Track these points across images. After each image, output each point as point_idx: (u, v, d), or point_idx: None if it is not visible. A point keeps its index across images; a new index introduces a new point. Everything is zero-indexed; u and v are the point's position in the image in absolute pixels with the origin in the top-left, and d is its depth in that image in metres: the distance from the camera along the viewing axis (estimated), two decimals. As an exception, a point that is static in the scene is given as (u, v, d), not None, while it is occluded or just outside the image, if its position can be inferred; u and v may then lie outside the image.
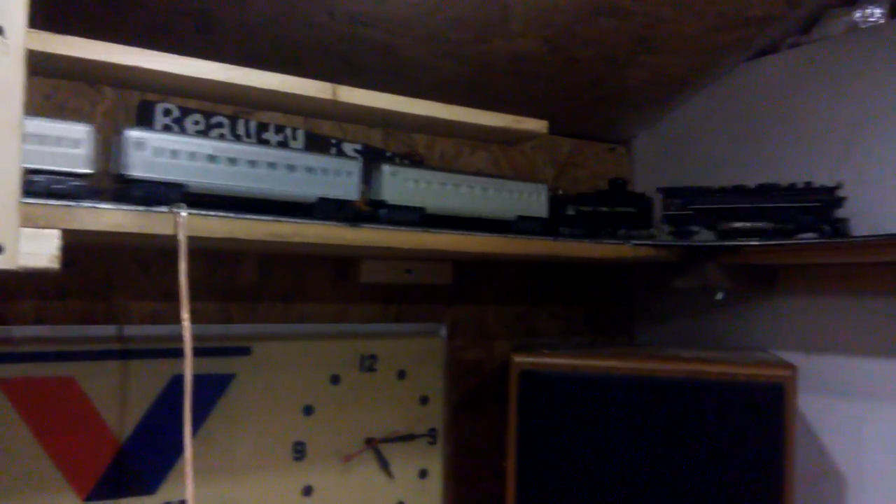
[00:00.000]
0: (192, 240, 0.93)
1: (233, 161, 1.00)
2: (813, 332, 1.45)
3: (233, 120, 1.28)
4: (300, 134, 1.34)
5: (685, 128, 1.72)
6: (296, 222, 1.00)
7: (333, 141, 1.39)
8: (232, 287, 1.30)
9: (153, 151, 0.95)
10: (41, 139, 0.85)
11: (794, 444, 1.22)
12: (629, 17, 1.37)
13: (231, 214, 0.96)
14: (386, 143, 1.46)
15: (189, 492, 0.92)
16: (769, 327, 1.53)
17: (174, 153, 0.96)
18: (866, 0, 1.42)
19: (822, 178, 1.42)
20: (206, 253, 1.27)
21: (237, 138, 1.27)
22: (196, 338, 0.93)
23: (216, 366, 1.22)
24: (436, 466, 1.44)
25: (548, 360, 1.32)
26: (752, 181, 1.50)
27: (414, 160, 1.47)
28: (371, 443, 1.36)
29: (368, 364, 1.37)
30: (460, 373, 1.55)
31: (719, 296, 1.41)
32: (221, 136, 1.26)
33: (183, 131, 1.24)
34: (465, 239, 1.15)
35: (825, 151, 1.44)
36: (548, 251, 1.26)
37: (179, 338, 0.92)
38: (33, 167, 0.84)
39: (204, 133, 1.25)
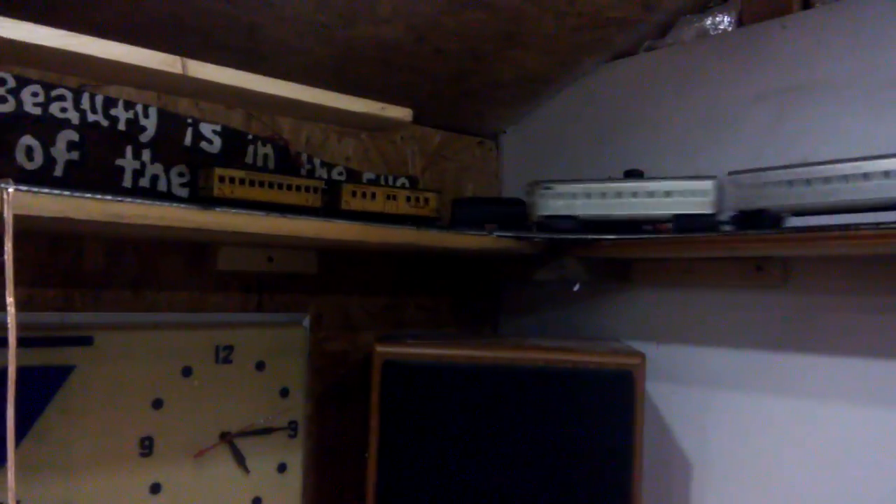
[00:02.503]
0: (24, 219, 0.86)
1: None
2: (663, 322, 1.53)
3: (77, 93, 1.19)
4: (152, 111, 1.27)
5: (550, 125, 1.77)
6: (138, 203, 0.94)
7: (189, 120, 1.32)
8: (74, 273, 1.21)
9: None
10: None
11: (642, 429, 1.27)
12: (495, 11, 1.39)
13: (65, 192, 0.89)
14: (248, 126, 1.41)
15: (10, 495, 0.85)
16: (624, 318, 1.60)
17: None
18: (716, 8, 1.51)
19: (673, 173, 1.49)
20: (45, 235, 1.18)
21: (81, 112, 1.19)
22: (28, 327, 0.86)
23: (52, 357, 1.14)
24: (296, 460, 1.40)
25: (411, 350, 1.32)
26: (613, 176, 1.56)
27: (278, 144, 1.43)
28: (226, 437, 1.31)
29: (224, 355, 1.31)
30: (325, 364, 1.52)
31: (576, 287, 1.46)
32: (63, 110, 1.17)
33: (20, 103, 1.14)
34: (323, 225, 1.12)
35: (678, 151, 1.52)
36: (411, 240, 1.26)
37: (4, 326, 0.85)
38: None
39: (44, 106, 1.16)
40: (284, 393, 1.39)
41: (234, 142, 1.38)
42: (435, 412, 1.30)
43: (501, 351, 1.33)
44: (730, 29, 1.49)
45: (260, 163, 1.41)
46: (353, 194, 1.40)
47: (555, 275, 1.45)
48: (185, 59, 1.03)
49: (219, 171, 1.20)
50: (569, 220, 1.38)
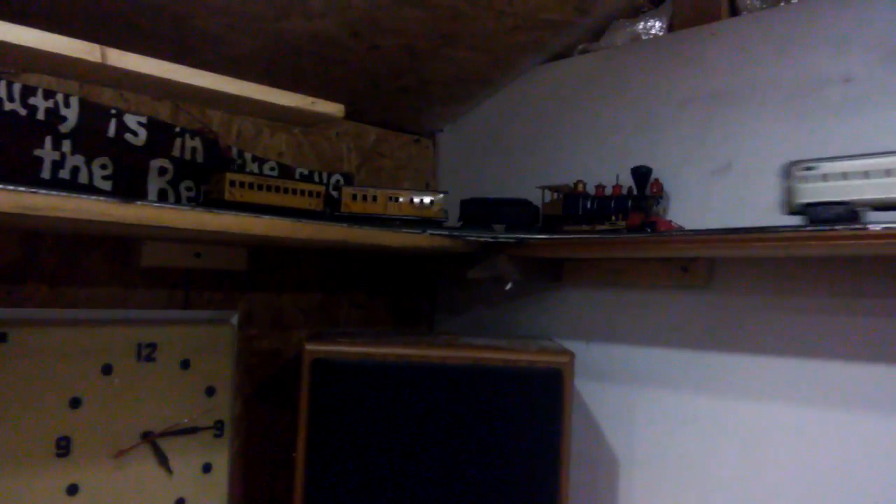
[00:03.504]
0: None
1: None
2: (593, 321, 1.55)
3: (-9, 80, 1.14)
4: (73, 101, 1.22)
5: (487, 124, 1.78)
6: (53, 195, 0.90)
7: (113, 111, 1.28)
8: (-13, 267, 1.17)
9: None
10: None
11: (570, 426, 1.29)
12: (432, 9, 1.39)
13: (-29, 182, 0.85)
14: (176, 118, 1.37)
15: None
16: (556, 317, 1.61)
17: None
18: (648, 14, 1.54)
19: (606, 177, 1.52)
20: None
21: (-4, 100, 1.14)
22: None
23: (-40, 354, 1.09)
24: (222, 460, 1.38)
25: (341, 348, 1.30)
26: (546, 178, 1.57)
27: (206, 137, 1.40)
28: (148, 437, 1.28)
29: (147, 353, 1.28)
30: (254, 363, 1.50)
31: (508, 286, 1.47)
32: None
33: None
34: (250, 221, 1.10)
35: (611, 153, 1.54)
36: (340, 237, 1.24)
37: None
38: None
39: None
40: (210, 392, 1.36)
41: (161, 134, 1.35)
42: (365, 411, 1.29)
43: (432, 349, 1.32)
44: (661, 34, 1.52)
45: (188, 156, 1.38)
46: (354, 197, 1.41)
47: (487, 274, 1.45)
48: (104, 48, 1.00)
49: (230, 175, 1.27)
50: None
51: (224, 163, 1.42)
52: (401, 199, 1.42)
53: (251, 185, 1.29)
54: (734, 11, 1.43)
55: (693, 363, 1.40)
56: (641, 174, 1.38)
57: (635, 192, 1.38)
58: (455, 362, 1.31)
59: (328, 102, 1.24)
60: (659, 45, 1.50)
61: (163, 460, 1.29)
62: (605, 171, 1.52)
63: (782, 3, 1.36)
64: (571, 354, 1.31)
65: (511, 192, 1.67)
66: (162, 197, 1.35)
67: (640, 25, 1.54)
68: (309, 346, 1.28)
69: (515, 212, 1.46)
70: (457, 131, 1.84)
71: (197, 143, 1.39)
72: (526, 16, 1.46)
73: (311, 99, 1.23)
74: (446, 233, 1.37)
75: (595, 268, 1.50)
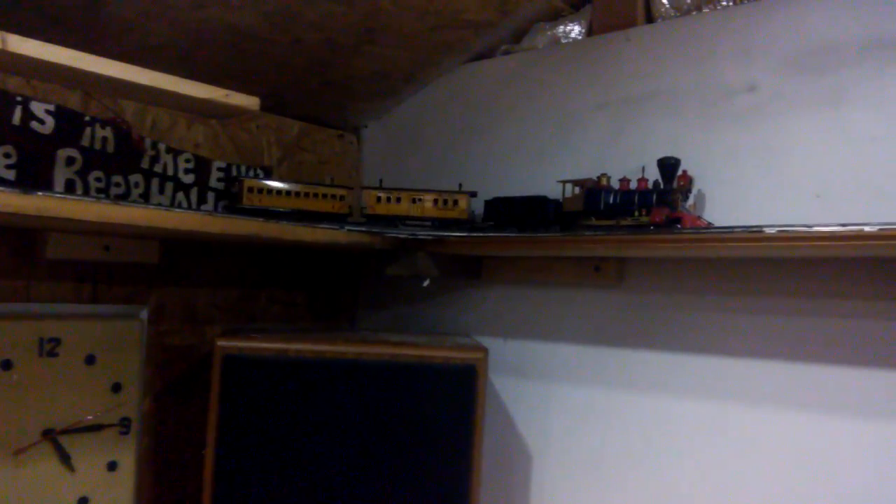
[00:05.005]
0: None
1: None
2: (511, 318, 1.57)
3: None
4: (-28, 86, 1.18)
5: (411, 121, 1.78)
6: (-59, 182, 0.87)
7: (18, 98, 1.24)
8: None
9: None
10: None
11: (482, 421, 1.31)
12: (353, 5, 1.39)
13: None
14: (86, 106, 1.33)
15: None
16: (475, 314, 1.63)
17: None
18: (568, 17, 1.57)
19: (525, 178, 1.54)
20: None
21: None
22: None
23: None
24: (128, 458, 1.34)
25: (254, 344, 1.29)
26: (467, 177, 1.59)
27: (118, 127, 1.36)
28: (49, 434, 1.23)
29: (50, 348, 1.23)
30: (165, 358, 1.46)
31: (425, 282, 1.48)
32: None
33: None
34: (158, 214, 1.08)
35: (530, 154, 1.57)
36: (252, 232, 1.23)
37: None
38: None
39: None
40: (116, 388, 1.32)
41: (70, 123, 1.31)
42: (278, 408, 1.28)
43: (347, 345, 1.32)
44: (580, 38, 1.55)
45: (98, 146, 1.34)
46: (378, 199, 1.41)
47: (406, 270, 1.46)
48: (4, 34, 0.96)
49: (248, 182, 1.32)
50: None
51: (136, 154, 1.38)
52: (423, 201, 1.40)
53: (269, 192, 1.35)
54: (650, 18, 1.47)
55: (605, 360, 1.44)
56: (668, 166, 1.27)
57: (662, 185, 1.27)
58: (370, 358, 1.31)
59: (243, 95, 1.22)
60: (577, 49, 1.53)
61: (65, 458, 1.25)
62: (523, 171, 1.55)
63: (694, 13, 1.40)
64: (485, 351, 1.33)
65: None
66: (69, 188, 1.31)
67: (560, 29, 1.57)
68: (220, 342, 1.26)
69: (537, 209, 1.39)
70: (381, 127, 1.84)
71: (108, 132, 1.36)
72: (448, 15, 1.47)
73: (225, 91, 1.21)
74: (363, 228, 1.36)
75: (512, 266, 1.52)
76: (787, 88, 1.25)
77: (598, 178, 1.34)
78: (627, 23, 1.47)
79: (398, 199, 1.42)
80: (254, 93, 1.32)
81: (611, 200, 1.30)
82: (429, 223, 1.44)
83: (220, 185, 1.52)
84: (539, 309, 1.53)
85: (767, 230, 1.05)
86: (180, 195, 1.48)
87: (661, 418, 1.36)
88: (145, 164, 1.42)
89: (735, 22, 1.33)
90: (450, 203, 1.42)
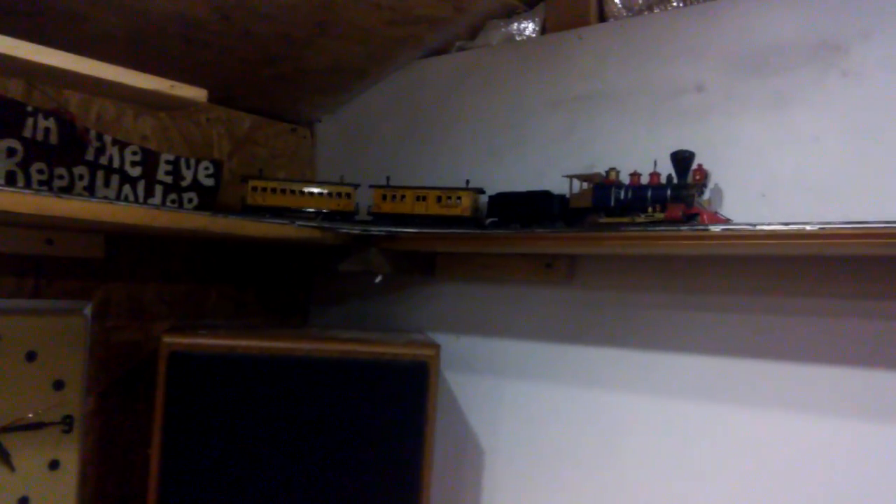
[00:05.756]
0: None
1: None
2: (464, 315, 1.58)
3: None
4: None
5: (365, 117, 1.77)
6: None
7: (-47, 86, 1.19)
8: None
9: None
10: None
11: (434, 417, 1.31)
12: (306, -2, 1.37)
13: None
14: (28, 97, 1.29)
15: None
16: (428, 310, 1.63)
17: None
18: (522, 15, 1.57)
19: (477, 174, 1.54)
20: None
21: None
22: None
23: None
24: (70, 457, 1.31)
25: (201, 340, 1.27)
26: (421, 172, 1.58)
27: (62, 118, 1.32)
28: (-13, 433, 1.20)
29: (-12, 345, 1.20)
30: (111, 355, 1.43)
31: (377, 279, 1.47)
32: None
33: None
34: (100, 207, 1.05)
35: (484, 151, 1.57)
36: (201, 226, 1.21)
37: None
38: None
39: None
40: (59, 386, 1.29)
41: (10, 113, 1.26)
42: (226, 406, 1.26)
43: (298, 342, 1.31)
44: (533, 36, 1.55)
45: (40, 137, 1.30)
46: (384, 198, 1.39)
47: (359, 266, 1.45)
48: (-65, 17, 0.92)
49: (252, 182, 1.36)
50: None
51: (80, 146, 1.35)
52: (427, 198, 1.38)
53: (273, 190, 1.38)
54: (602, 18, 1.48)
55: (556, 356, 1.45)
56: (682, 160, 1.21)
57: (675, 180, 1.21)
58: (321, 355, 1.30)
59: (190, 87, 1.20)
60: (531, 47, 1.54)
61: (5, 457, 1.22)
62: (476, 168, 1.55)
63: (645, 13, 1.42)
64: (437, 347, 1.33)
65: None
66: (10, 180, 1.27)
67: (515, 26, 1.57)
68: (166, 339, 1.24)
69: (542, 205, 1.33)
70: (335, 122, 1.82)
71: (51, 123, 1.32)
72: (402, 10, 1.46)
73: (170, 82, 1.18)
74: (314, 224, 1.35)
75: (465, 262, 1.53)
76: (733, 89, 1.28)
77: (607, 172, 1.28)
78: (580, 22, 1.48)
79: (402, 197, 1.39)
80: (204, 85, 1.30)
81: (622, 196, 1.23)
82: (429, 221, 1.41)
83: (168, 179, 1.49)
84: (492, 306, 1.54)
85: (713, 228, 1.07)
86: (126, 188, 1.44)
87: (610, 414, 1.38)
88: (90, 157, 1.38)
89: (684, 23, 1.35)
90: (453, 200, 1.39)
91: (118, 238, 1.42)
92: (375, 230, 1.38)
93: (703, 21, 1.33)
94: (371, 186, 1.45)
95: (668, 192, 1.19)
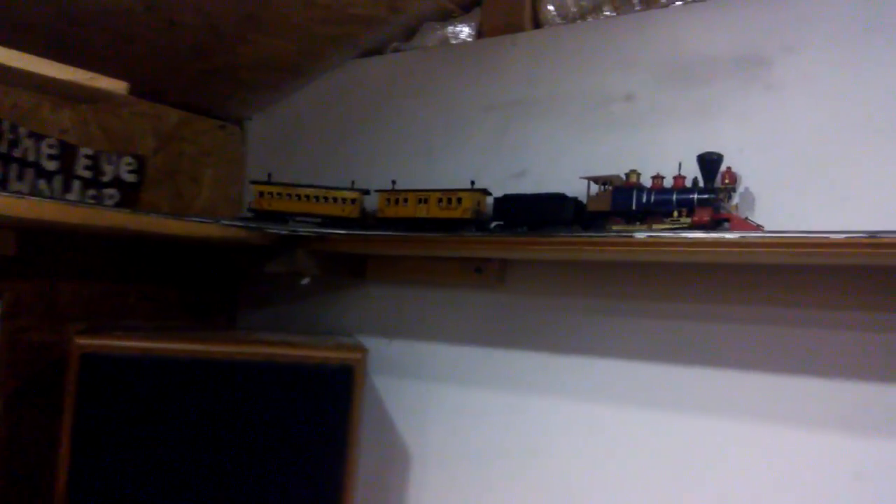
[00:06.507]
0: None
1: None
2: (395, 318, 1.56)
3: None
4: None
5: (298, 115, 1.74)
6: None
7: None
8: None
9: None
10: None
11: (359, 422, 1.29)
12: (236, -11, 1.34)
13: None
14: (-66, 84, 1.22)
15: None
16: (359, 313, 1.61)
17: None
18: (458, 18, 1.56)
19: (411, 176, 1.52)
20: None
21: None
22: None
23: None
24: (-27, 464, 1.24)
25: (116, 342, 1.22)
26: (354, 174, 1.56)
27: (-30, 107, 1.26)
28: None
29: None
30: (22, 357, 1.36)
31: (304, 281, 1.44)
32: None
33: None
34: (9, 202, 1.00)
35: (419, 153, 1.56)
36: (119, 224, 1.16)
37: None
38: None
39: None
40: (-39, 389, 1.22)
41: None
42: (141, 410, 1.21)
43: (218, 345, 1.27)
44: (469, 39, 1.55)
45: (-54, 126, 1.23)
46: (388, 201, 1.35)
47: (286, 268, 1.42)
48: None
49: (257, 187, 1.37)
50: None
51: (-9, 136, 1.28)
52: (429, 201, 1.32)
53: (279, 195, 1.37)
54: (537, 24, 1.49)
55: (485, 360, 1.44)
56: (710, 162, 1.15)
57: (702, 183, 1.15)
58: (242, 358, 1.26)
59: (109, 79, 1.15)
60: (466, 51, 1.53)
61: None
62: (409, 169, 1.53)
63: (578, 21, 1.43)
64: (364, 351, 1.30)
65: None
66: (-87, 171, 1.20)
67: (450, 29, 1.56)
68: (78, 340, 1.19)
69: (554, 208, 1.25)
70: (267, 120, 1.78)
71: (-41, 112, 1.25)
72: (337, 8, 1.44)
73: (90, 74, 1.13)
74: (240, 223, 1.31)
75: (397, 265, 1.51)
76: (661, 99, 1.30)
77: (627, 175, 1.22)
78: (515, 27, 1.48)
79: (405, 201, 1.34)
80: (129, 78, 1.25)
81: (644, 200, 1.17)
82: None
83: (87, 174, 1.43)
84: (422, 309, 1.52)
85: (637, 235, 1.08)
86: (42, 183, 1.38)
87: (537, 417, 1.38)
88: (2, 149, 1.31)
89: (615, 32, 1.36)
90: (453, 202, 1.32)
91: (32, 235, 1.35)
92: (303, 231, 1.35)
93: (634, 31, 1.35)
94: (377, 191, 1.39)
95: (695, 196, 1.13)
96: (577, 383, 1.34)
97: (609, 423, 1.31)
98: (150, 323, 1.59)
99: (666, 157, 1.28)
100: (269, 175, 1.46)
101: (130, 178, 1.50)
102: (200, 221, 1.28)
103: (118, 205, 1.48)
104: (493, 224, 1.30)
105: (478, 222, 1.30)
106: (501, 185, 1.42)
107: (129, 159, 1.50)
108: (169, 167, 1.59)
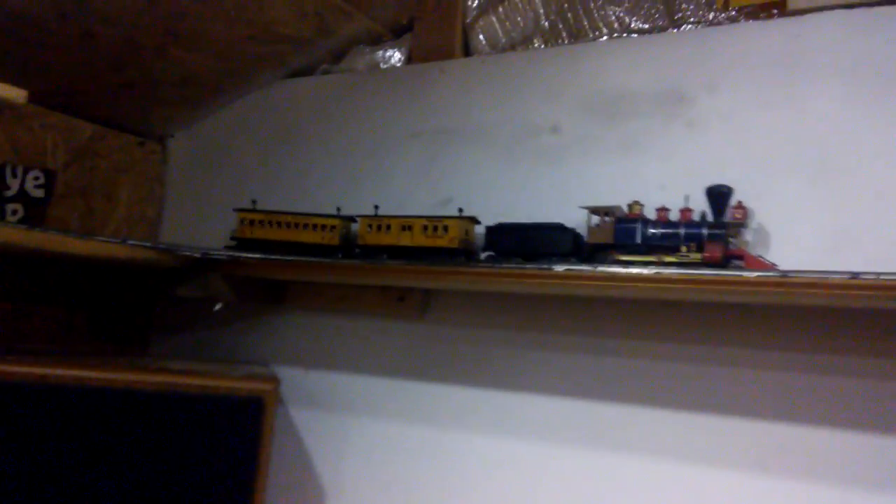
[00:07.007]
0: None
1: None
2: (314, 348, 1.50)
3: None
4: None
5: (223, 135, 1.68)
6: None
7: None
8: None
9: None
10: None
11: (269, 456, 1.23)
12: (156, 2, 1.28)
13: None
14: None
15: None
16: (277, 341, 1.54)
17: None
18: (389, 43, 1.54)
19: (336, 201, 1.48)
20: None
21: None
22: None
23: None
24: None
25: (6, 367, 1.14)
26: (279, 196, 1.51)
27: None
28: None
29: None
30: None
31: (217, 306, 1.38)
32: None
33: None
34: None
35: (343, 178, 1.52)
36: (17, 241, 1.09)
37: None
38: None
39: None
40: None
41: None
42: (34, 441, 1.13)
43: (120, 373, 1.20)
44: (399, 65, 1.53)
45: None
46: (370, 227, 1.28)
47: (198, 292, 1.35)
48: None
49: (241, 214, 1.35)
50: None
51: None
52: (413, 228, 1.25)
53: (261, 223, 1.35)
54: (467, 52, 1.48)
55: (404, 393, 1.40)
56: (719, 195, 1.10)
57: (710, 217, 1.10)
58: (145, 388, 1.19)
59: (7, 86, 1.09)
60: (395, 76, 1.51)
61: None
62: (338, 195, 1.49)
63: (508, 51, 1.43)
64: (276, 382, 1.25)
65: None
66: None
67: (380, 54, 1.54)
68: (-39, 365, 1.10)
69: (553, 239, 1.19)
70: (190, 138, 1.72)
71: None
72: (262, 27, 1.40)
73: (-15, 81, 1.07)
74: (147, 244, 1.25)
75: (317, 292, 1.46)
76: (587, 132, 1.29)
77: (630, 206, 1.16)
78: (445, 55, 1.47)
79: (388, 227, 1.27)
80: (41, 88, 1.18)
81: (650, 233, 1.12)
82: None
83: (-12, 187, 1.35)
84: (342, 338, 1.47)
85: (556, 268, 1.06)
86: (-64, 195, 1.30)
87: (456, 452, 1.34)
88: None
89: (544, 64, 1.36)
90: (439, 230, 1.25)
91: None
92: (216, 254, 1.29)
93: (562, 63, 1.34)
94: (359, 217, 1.32)
95: (705, 230, 1.08)
96: (497, 418, 1.31)
97: (528, 460, 1.28)
98: (54, 347, 1.50)
99: (591, 191, 1.27)
100: (254, 202, 1.39)
101: (37, 192, 1.42)
102: (104, 241, 1.21)
103: (22, 221, 1.40)
104: (485, 255, 1.25)
105: (466, 252, 1.24)
106: (427, 211, 1.39)
107: (36, 173, 1.42)
108: (80, 183, 1.52)
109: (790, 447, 1.08)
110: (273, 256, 1.30)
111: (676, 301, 1.17)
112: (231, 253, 1.30)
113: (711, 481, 1.13)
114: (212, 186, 1.67)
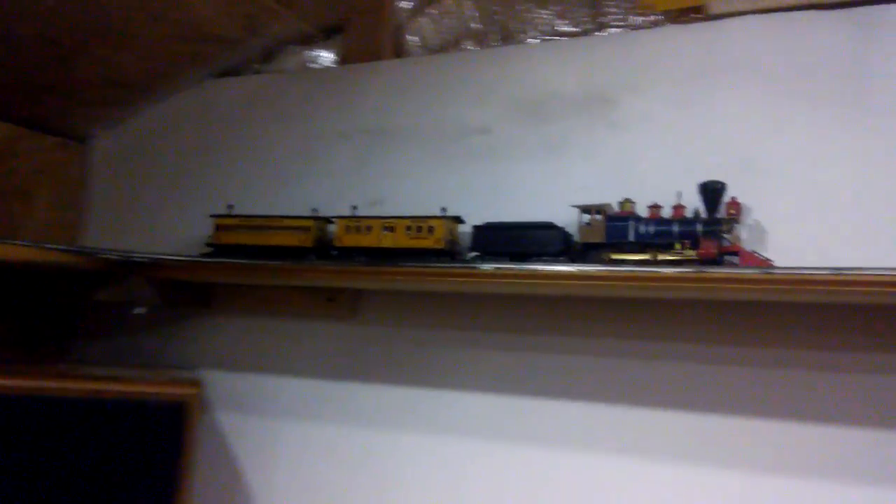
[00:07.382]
0: None
1: None
2: (242, 351, 1.47)
3: None
4: None
5: (149, 134, 1.64)
6: None
7: None
8: None
9: None
10: None
11: (193, 461, 1.21)
12: (75, 1, 1.25)
13: None
14: None
15: None
16: (204, 345, 1.51)
17: None
18: (320, 43, 1.53)
19: (266, 201, 1.45)
20: None
21: None
22: None
23: None
24: None
25: None
26: (208, 198, 1.48)
27: None
28: None
29: None
30: None
31: (138, 310, 1.35)
32: None
33: None
34: None
35: (273, 179, 1.50)
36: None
37: None
38: None
39: None
40: None
41: None
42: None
43: (37, 380, 1.16)
44: (331, 65, 1.52)
45: None
46: (347, 229, 1.24)
47: (119, 296, 1.31)
48: None
49: (217, 220, 1.33)
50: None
51: None
52: (396, 229, 1.21)
53: (237, 227, 1.32)
54: (399, 53, 1.47)
55: (335, 395, 1.38)
56: (712, 191, 1.09)
57: (704, 213, 1.09)
58: (65, 395, 1.16)
59: None
60: (326, 76, 1.50)
61: None
62: (265, 195, 1.47)
63: (439, 53, 1.43)
64: (199, 386, 1.23)
65: (172, 209, 1.56)
66: None
67: (311, 54, 1.53)
68: None
69: (541, 238, 1.16)
70: (114, 138, 1.67)
71: None
72: (188, 26, 1.37)
73: None
74: (63, 247, 1.21)
75: (244, 295, 1.43)
76: (516, 133, 1.30)
77: (621, 203, 1.14)
78: (376, 55, 1.46)
79: (368, 228, 1.23)
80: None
81: (643, 231, 1.10)
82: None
83: None
84: (271, 341, 1.45)
85: (483, 268, 1.06)
86: None
87: (391, 454, 1.33)
88: None
89: (474, 66, 1.37)
90: (424, 231, 1.22)
91: None
92: (137, 256, 1.25)
93: (492, 65, 1.35)
94: (336, 218, 1.28)
95: (699, 227, 1.07)
96: (430, 418, 1.31)
97: (463, 459, 1.27)
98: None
99: (520, 191, 1.28)
100: (231, 207, 1.36)
101: (-52, 194, 1.37)
102: (18, 245, 1.16)
103: (-69, 223, 1.34)
104: (472, 254, 1.21)
105: (451, 253, 1.21)
106: (360, 212, 1.37)
107: (-53, 174, 1.36)
108: (-3, 185, 1.46)
109: (778, 443, 1.08)
110: (192, 258, 1.28)
111: (653, 299, 1.17)
112: (151, 255, 1.27)
113: (657, 474, 1.14)
114: (139, 188, 1.63)
